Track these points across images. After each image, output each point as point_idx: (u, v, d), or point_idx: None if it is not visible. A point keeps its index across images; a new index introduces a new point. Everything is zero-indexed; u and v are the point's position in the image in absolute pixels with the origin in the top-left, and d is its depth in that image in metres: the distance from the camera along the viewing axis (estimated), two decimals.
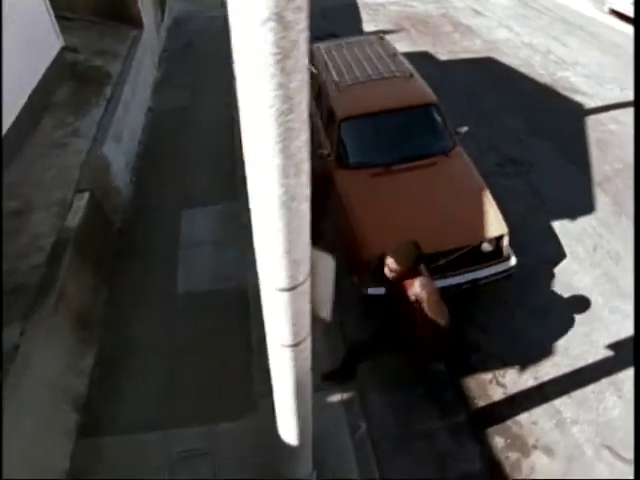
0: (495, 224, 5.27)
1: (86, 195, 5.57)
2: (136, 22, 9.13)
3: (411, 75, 6.55)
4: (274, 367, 2.59)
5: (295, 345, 2.34)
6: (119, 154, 6.82)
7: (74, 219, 5.27)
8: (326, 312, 2.40)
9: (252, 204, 1.78)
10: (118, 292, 5.63)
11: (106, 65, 8.02)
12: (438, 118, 6.15)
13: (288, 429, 3.12)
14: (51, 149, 6.10)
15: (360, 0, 12.92)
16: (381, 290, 4.96)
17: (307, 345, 2.42)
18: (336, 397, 4.72)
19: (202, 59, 10.63)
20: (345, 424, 4.49)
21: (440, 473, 4.36)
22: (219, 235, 6.31)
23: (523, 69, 9.48)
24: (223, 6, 12.40)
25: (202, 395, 4.68)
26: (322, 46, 7.69)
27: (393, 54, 7.11)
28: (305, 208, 1.76)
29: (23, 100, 6.12)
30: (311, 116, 6.15)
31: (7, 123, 5.70)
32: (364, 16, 12.18)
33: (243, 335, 5.16)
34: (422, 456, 4.46)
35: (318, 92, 7.06)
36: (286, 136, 1.50)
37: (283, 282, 1.99)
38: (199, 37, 11.53)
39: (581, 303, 5.56)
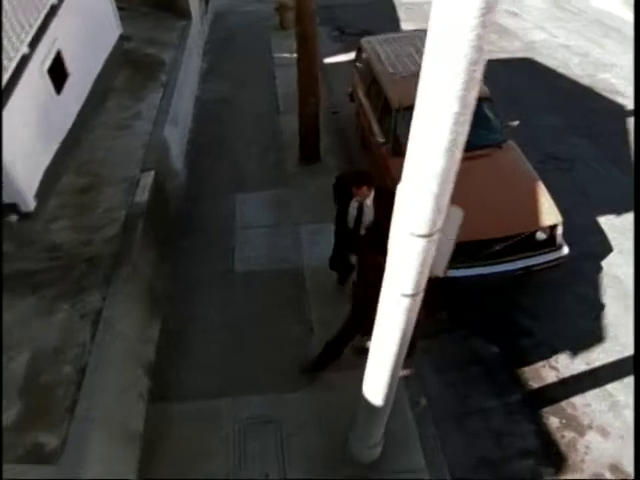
0: (550, 213, 5.41)
1: (152, 174, 5.78)
2: (185, 13, 9.36)
3: None
4: (385, 318, 2.75)
5: (414, 295, 2.50)
6: (176, 138, 7.04)
7: (142, 196, 5.48)
8: (442, 268, 2.54)
9: (412, 150, 1.94)
10: (179, 268, 5.83)
11: (159, 53, 8.26)
12: (491, 112, 6.31)
13: (377, 389, 3.28)
14: (116, 130, 6.33)
15: None
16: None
17: (420, 298, 2.58)
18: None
19: (243, 51, 10.85)
20: (406, 398, 4.65)
21: (496, 449, 4.51)
22: (273, 219, 6.50)
23: (561, 70, 9.61)
24: (260, 1, 12.67)
25: (263, 366, 4.86)
26: (372, 39, 7.87)
27: None
28: (458, 155, 1.92)
29: (90, 84, 6.34)
30: (361, 106, 6.41)
31: (78, 106, 5.93)
32: (400, 14, 12.36)
33: (301, 312, 5.34)
34: (479, 432, 4.62)
35: (370, 83, 7.23)
36: (468, 85, 1.67)
37: (422, 228, 2.13)
38: (239, 30, 11.76)
39: (627, 294, 5.69)
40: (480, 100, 6.77)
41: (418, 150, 1.94)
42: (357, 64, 8.24)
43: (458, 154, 1.92)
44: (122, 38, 7.87)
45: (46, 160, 5.13)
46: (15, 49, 4.73)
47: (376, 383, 3.27)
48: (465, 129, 1.84)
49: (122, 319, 4.38)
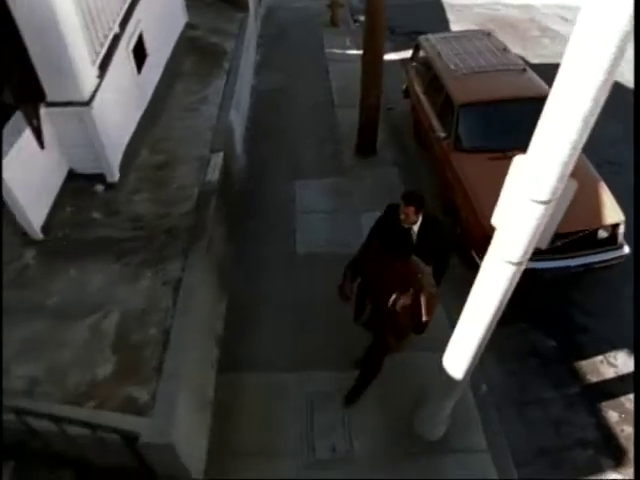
0: (612, 212, 5.47)
1: (221, 155, 5.97)
2: (243, 6, 9.58)
3: (524, 69, 6.80)
4: (483, 286, 2.87)
5: (518, 264, 2.61)
6: (238, 123, 7.25)
7: (213, 175, 5.67)
8: (546, 241, 2.64)
9: (547, 115, 2.05)
10: (244, 247, 6.01)
11: (221, 42, 8.47)
12: None
13: (460, 360, 3.40)
14: (185, 112, 6.54)
15: (445, 0, 13.19)
16: None
17: (523, 267, 2.68)
18: None
19: (294, 46, 11.03)
20: (468, 383, 4.74)
21: (556, 437, 4.59)
22: (332, 205, 6.65)
23: (617, 77, 9.57)
24: None
25: (328, 344, 5.00)
26: (431, 37, 8.00)
27: (503, 49, 7.36)
28: (591, 124, 2.02)
29: (162, 67, 6.58)
30: (419, 102, 6.48)
31: (153, 86, 6.17)
32: (450, 16, 12.44)
33: None
34: (538, 420, 4.71)
35: (430, 79, 7.35)
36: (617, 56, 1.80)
37: (544, 194, 2.24)
38: (290, 25, 11.95)
39: None
40: (542, 99, 6.88)
41: (553, 116, 2.04)
42: (414, 61, 8.37)
43: (592, 122, 2.03)
44: (188, 26, 8.11)
45: (128, 135, 5.35)
46: (109, 28, 4.98)
47: (460, 354, 3.38)
48: (604, 95, 1.96)
49: (199, 289, 4.56)
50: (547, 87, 6.55)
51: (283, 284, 5.63)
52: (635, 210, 3.20)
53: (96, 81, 4.52)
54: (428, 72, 7.52)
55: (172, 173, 5.57)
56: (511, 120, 6.35)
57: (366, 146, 7.47)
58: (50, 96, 4.30)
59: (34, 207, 4.28)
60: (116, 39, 5.06)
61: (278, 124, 8.32)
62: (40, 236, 4.35)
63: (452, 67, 6.94)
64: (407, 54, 10.63)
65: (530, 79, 6.69)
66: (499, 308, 2.95)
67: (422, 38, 8.14)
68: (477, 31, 8.21)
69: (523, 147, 6.37)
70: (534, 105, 6.26)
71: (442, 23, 12.10)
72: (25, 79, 4.11)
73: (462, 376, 3.54)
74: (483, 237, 5.40)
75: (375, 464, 4.16)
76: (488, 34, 7.93)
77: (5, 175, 3.81)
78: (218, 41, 8.52)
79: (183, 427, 3.69)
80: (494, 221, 2.66)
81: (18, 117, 4.16)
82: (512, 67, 6.84)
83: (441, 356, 3.66)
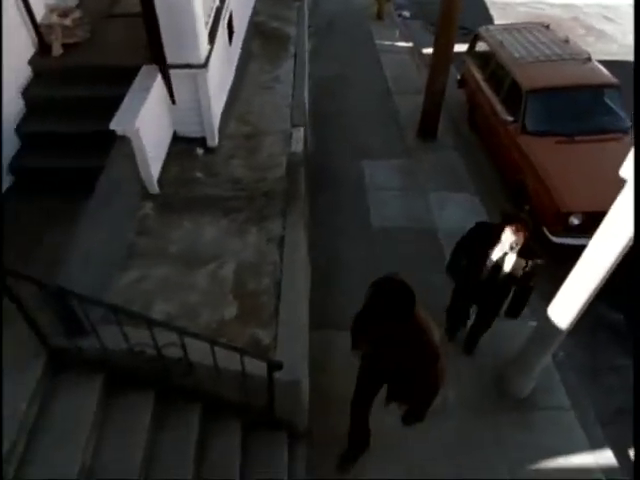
0: None
1: (302, 129, 6.23)
2: None
3: (589, 58, 7.05)
4: (596, 253, 3.12)
5: None
6: (306, 102, 7.50)
7: (297, 146, 5.92)
8: None
9: None
10: (320, 220, 6.26)
11: (283, 27, 8.74)
12: (618, 99, 6.62)
13: (568, 311, 3.66)
14: (262, 90, 6.80)
15: None
16: (570, 241, 5.52)
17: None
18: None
19: (344, 36, 11.31)
20: None
21: (630, 403, 4.81)
22: (400, 184, 6.91)
23: None
24: None
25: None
26: (491, 28, 8.28)
27: (565, 40, 7.61)
28: None
29: (241, 45, 6.85)
30: (479, 90, 6.69)
31: (236, 61, 6.44)
32: (492, 13, 12.71)
33: (440, 264, 5.69)
34: (614, 385, 4.93)
35: (492, 68, 7.60)
36: None
37: None
38: (337, 17, 12.23)
39: None
40: (608, 86, 7.17)
41: None
42: (472, 51, 8.62)
43: None
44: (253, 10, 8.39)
45: (222, 104, 5.62)
46: (213, 1, 5.27)
47: (570, 303, 3.63)
48: None
49: (299, 247, 4.80)
50: (611, 76, 6.81)
51: (361, 253, 5.87)
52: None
53: (208, 47, 4.79)
54: (490, 61, 7.77)
55: (260, 143, 5.82)
56: (576, 106, 6.64)
57: (428, 130, 7.72)
58: (170, 59, 4.56)
59: (155, 162, 4.55)
60: (218, 12, 5.32)
61: (338, 108, 8.58)
62: (157, 190, 4.61)
63: (517, 56, 7.20)
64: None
65: (594, 68, 6.95)
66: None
67: (482, 29, 8.40)
68: (536, 23, 8.45)
69: (588, 132, 6.69)
70: (598, 92, 6.70)
71: (486, 20, 12.35)
72: (153, 43, 4.40)
73: (565, 327, 3.78)
74: (555, 214, 5.67)
75: (470, 415, 4.40)
76: (547, 26, 8.17)
77: (140, 126, 4.09)
78: (279, 26, 8.78)
79: (301, 372, 3.93)
80: None
81: (143, 76, 4.44)
82: (576, 56, 7.10)
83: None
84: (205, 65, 4.61)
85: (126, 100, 4.22)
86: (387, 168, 7.20)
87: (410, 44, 10.95)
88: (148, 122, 4.27)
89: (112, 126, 4.01)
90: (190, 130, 5.12)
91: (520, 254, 3.83)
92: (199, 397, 3.66)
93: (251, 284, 4.20)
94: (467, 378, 4.70)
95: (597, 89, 6.69)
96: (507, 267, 3.93)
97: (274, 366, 3.36)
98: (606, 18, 11.93)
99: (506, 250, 3.83)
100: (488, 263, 3.97)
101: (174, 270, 4.07)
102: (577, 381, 4.85)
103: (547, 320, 3.88)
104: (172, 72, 4.62)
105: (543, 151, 6.21)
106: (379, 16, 12.14)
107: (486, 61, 7.93)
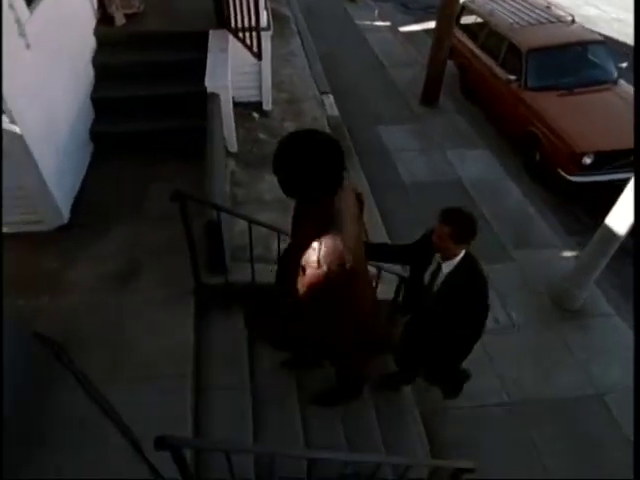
0: None
1: (330, 96, 6.61)
2: None
3: (573, 20, 7.83)
4: None
5: None
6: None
7: (332, 110, 6.31)
8: None
9: None
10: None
11: (278, 8, 9.05)
12: (606, 53, 7.41)
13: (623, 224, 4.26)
14: (284, 62, 7.13)
15: None
16: (585, 178, 6.25)
17: None
18: None
19: (325, 18, 11.56)
20: None
21: None
22: (418, 145, 7.41)
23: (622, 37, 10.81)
24: None
25: None
26: (477, 1, 8.92)
27: (547, 6, 8.37)
28: None
29: None
30: (473, 56, 7.35)
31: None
32: None
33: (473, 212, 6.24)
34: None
35: (485, 35, 8.25)
36: None
37: None
38: (313, 2, 12.57)
39: None
40: (595, 43, 7.98)
41: None
42: (459, 23, 9.22)
43: None
44: None
45: None
46: None
47: (627, 212, 4.23)
48: None
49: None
50: (597, 33, 7.61)
51: (403, 205, 6.30)
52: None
53: (265, 12, 5.07)
54: (481, 30, 8.41)
55: (300, 107, 6.17)
56: (570, 62, 7.40)
57: (431, 97, 8.26)
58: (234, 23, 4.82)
59: (232, 124, 4.79)
60: None
61: (338, 83, 8.93)
62: (236, 149, 4.86)
63: (511, 22, 7.86)
64: (428, 26, 11.62)
65: (580, 28, 7.74)
66: None
67: (467, 1, 9.02)
68: None
69: (584, 85, 7.44)
70: (590, 48, 7.48)
71: None
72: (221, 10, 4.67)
73: (616, 241, 4.41)
74: (570, 155, 6.36)
75: (538, 327, 4.96)
76: None
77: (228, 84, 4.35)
78: (275, 7, 9.08)
79: None
80: None
81: (216, 39, 4.68)
82: (562, 19, 7.87)
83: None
84: (269, 27, 4.90)
85: (209, 61, 4.45)
86: (401, 131, 7.66)
87: (388, 23, 11.48)
88: (230, 81, 4.52)
89: (206, 84, 4.23)
90: (247, 94, 5.38)
91: (458, 269, 2.82)
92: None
93: None
94: (525, 298, 5.26)
95: (586, 46, 7.46)
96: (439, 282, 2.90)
97: None
98: None
99: (438, 260, 2.87)
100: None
101: (277, 214, 4.33)
102: (614, 293, 5.51)
103: (606, 228, 4.47)
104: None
105: (549, 103, 6.89)
106: None
107: (476, 30, 8.57)
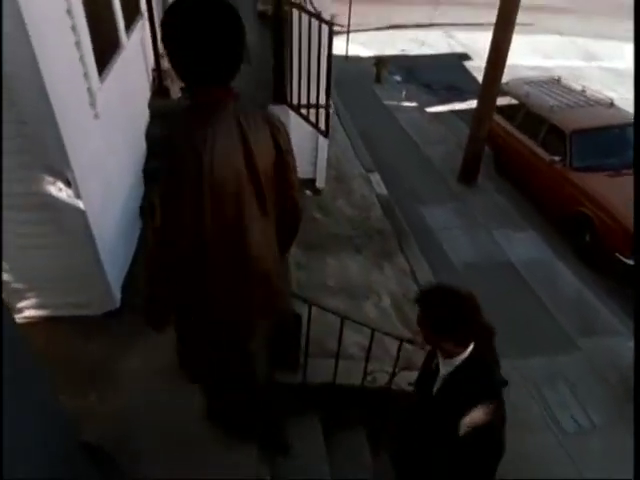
0: None
1: (377, 174, 6.45)
2: None
3: (612, 104, 7.87)
4: None
5: None
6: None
7: (381, 188, 6.12)
8: None
9: None
10: None
11: None
12: None
13: None
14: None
15: (466, 63, 14.63)
16: None
17: None
18: None
19: (354, 97, 11.70)
20: None
21: None
22: (461, 223, 7.20)
23: None
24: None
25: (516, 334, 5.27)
26: (511, 83, 9.02)
27: (583, 90, 8.45)
28: None
29: None
30: (509, 137, 7.10)
31: None
32: (475, 75, 13.81)
33: (531, 297, 5.88)
34: None
35: (522, 117, 8.26)
36: None
37: None
38: (340, 81, 12.81)
39: None
40: None
41: None
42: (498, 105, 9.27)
43: None
44: None
45: None
46: None
47: None
48: None
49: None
50: None
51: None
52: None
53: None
54: (516, 111, 8.45)
55: (349, 185, 5.98)
56: (614, 143, 7.35)
57: (470, 175, 8.14)
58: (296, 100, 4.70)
59: None
60: None
61: (377, 160, 8.84)
62: None
63: (551, 104, 7.89)
64: (453, 106, 11.83)
65: (620, 110, 7.76)
66: None
67: (504, 84, 9.08)
68: (548, 78, 9.33)
69: (628, 166, 7.33)
70: (628, 131, 7.43)
71: (474, 83, 13.33)
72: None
73: None
74: (624, 234, 6.12)
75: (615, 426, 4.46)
76: (558, 79, 9.05)
77: None
78: None
79: None
80: None
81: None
82: (601, 102, 7.91)
83: None
84: (329, 105, 4.78)
85: None
86: (443, 210, 7.45)
87: (415, 103, 11.66)
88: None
89: None
90: (301, 172, 5.14)
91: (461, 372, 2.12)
92: None
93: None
94: (599, 394, 4.79)
95: (628, 127, 7.43)
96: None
97: None
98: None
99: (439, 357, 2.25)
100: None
101: (341, 302, 3.99)
102: None
103: None
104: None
105: (599, 184, 6.75)
106: (378, 80, 12.89)
107: (512, 111, 8.60)
